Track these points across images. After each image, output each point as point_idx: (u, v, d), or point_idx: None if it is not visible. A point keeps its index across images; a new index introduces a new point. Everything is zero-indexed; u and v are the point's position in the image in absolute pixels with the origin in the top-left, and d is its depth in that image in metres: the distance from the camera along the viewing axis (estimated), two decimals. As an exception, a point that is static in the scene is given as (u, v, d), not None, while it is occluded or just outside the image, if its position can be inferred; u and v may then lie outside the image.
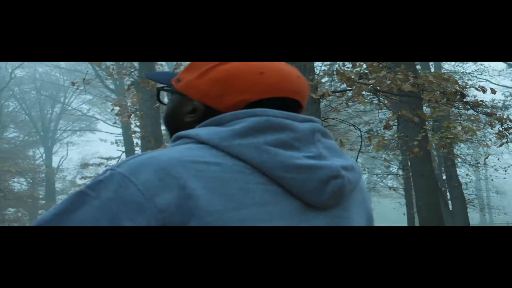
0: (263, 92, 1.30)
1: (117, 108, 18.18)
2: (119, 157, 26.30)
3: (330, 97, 10.35)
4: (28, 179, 44.15)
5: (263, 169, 1.16)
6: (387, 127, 10.55)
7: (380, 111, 14.34)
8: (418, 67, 14.74)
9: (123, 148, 27.58)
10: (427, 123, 14.97)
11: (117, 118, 20.24)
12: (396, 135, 16.78)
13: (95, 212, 1.09)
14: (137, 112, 16.25)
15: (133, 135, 22.59)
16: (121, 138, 31.48)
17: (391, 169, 25.91)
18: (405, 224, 25.13)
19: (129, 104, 18.54)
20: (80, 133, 52.46)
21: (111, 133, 41.82)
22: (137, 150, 24.51)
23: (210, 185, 1.11)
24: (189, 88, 1.37)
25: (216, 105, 1.33)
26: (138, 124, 17.92)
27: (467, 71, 29.02)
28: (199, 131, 1.22)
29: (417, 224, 18.89)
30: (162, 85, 1.49)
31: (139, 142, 20.06)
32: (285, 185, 1.17)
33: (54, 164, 49.11)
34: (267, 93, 1.30)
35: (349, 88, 10.40)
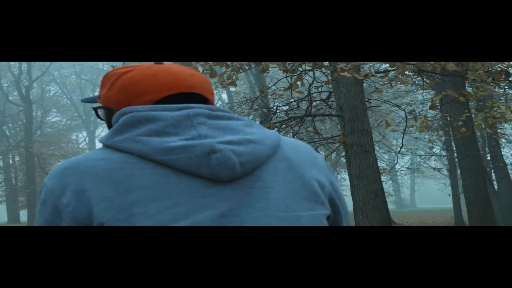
0: (161, 91, 1.48)
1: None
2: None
3: (373, 77, 10.24)
4: (72, 162, 44.73)
5: (144, 156, 1.32)
6: (433, 107, 10.38)
7: (423, 91, 14.16)
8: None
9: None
10: (470, 103, 14.74)
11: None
12: (439, 116, 16.57)
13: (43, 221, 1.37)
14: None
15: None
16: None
17: (434, 150, 25.65)
18: (451, 206, 24.87)
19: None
20: (121, 116, 53.05)
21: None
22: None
23: (98, 177, 1.30)
24: (106, 101, 1.56)
25: None
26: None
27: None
28: (101, 137, 1.42)
29: (463, 205, 18.68)
30: (95, 105, 1.70)
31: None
32: (174, 166, 1.31)
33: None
34: (165, 91, 1.49)
35: (392, 68, 10.27)
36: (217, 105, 41.60)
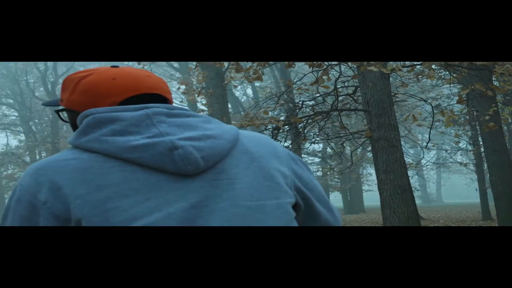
0: (124, 93, 1.57)
1: (183, 86, 18.29)
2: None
3: (399, 71, 10.18)
4: (97, 158, 45.08)
5: (111, 155, 1.40)
6: (460, 101, 10.30)
7: (449, 85, 14.07)
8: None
9: (190, 127, 27.94)
10: (497, 97, 14.62)
11: (183, 96, 20.41)
12: (466, 110, 16.47)
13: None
14: (203, 91, 16.29)
15: (200, 114, 22.87)
16: (188, 116, 31.59)
17: (460, 144, 25.48)
18: (478, 200, 24.71)
19: (194, 82, 18.64)
20: (146, 112, 53.40)
21: (177, 112, 42.11)
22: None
23: (70, 176, 1.37)
24: (70, 104, 1.63)
25: None
26: (204, 102, 18.00)
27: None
28: (69, 138, 1.50)
29: (490, 199, 18.52)
30: (57, 108, 1.76)
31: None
32: (140, 163, 1.40)
33: (122, 143, 50.15)
34: (127, 92, 1.57)
35: (419, 62, 10.20)
36: (242, 100, 41.68)
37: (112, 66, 1.65)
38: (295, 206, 1.59)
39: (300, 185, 1.62)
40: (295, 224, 1.53)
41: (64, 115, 1.72)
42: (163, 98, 1.64)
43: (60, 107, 1.72)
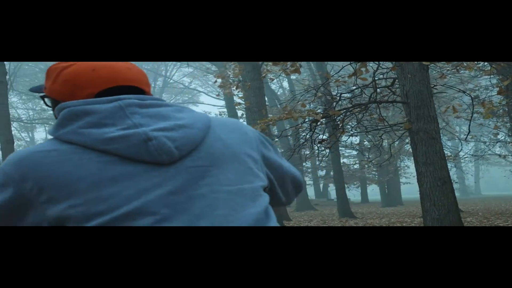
0: (100, 84, 1.60)
1: (219, 80, 18.34)
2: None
3: (438, 63, 10.09)
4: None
5: (88, 146, 1.44)
6: (501, 92, 10.18)
7: (490, 76, 13.92)
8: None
9: (227, 120, 28.10)
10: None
11: (219, 90, 20.46)
12: (505, 101, 16.29)
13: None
14: (240, 84, 16.32)
15: (237, 107, 22.94)
16: (225, 110, 31.80)
17: (499, 136, 25.18)
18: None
19: (231, 75, 18.67)
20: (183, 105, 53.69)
21: (214, 105, 42.36)
22: (242, 122, 24.76)
23: (53, 167, 1.42)
24: (52, 92, 1.67)
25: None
26: (240, 95, 18.02)
27: None
28: (49, 129, 1.53)
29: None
30: (41, 94, 1.80)
31: (244, 113, 20.24)
32: (117, 154, 1.44)
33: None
34: (104, 84, 1.60)
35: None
36: (279, 93, 41.66)
37: None
38: (265, 189, 1.66)
39: (268, 169, 1.71)
40: (270, 207, 1.60)
41: (48, 102, 1.75)
42: (140, 90, 1.67)
43: (44, 94, 1.76)
